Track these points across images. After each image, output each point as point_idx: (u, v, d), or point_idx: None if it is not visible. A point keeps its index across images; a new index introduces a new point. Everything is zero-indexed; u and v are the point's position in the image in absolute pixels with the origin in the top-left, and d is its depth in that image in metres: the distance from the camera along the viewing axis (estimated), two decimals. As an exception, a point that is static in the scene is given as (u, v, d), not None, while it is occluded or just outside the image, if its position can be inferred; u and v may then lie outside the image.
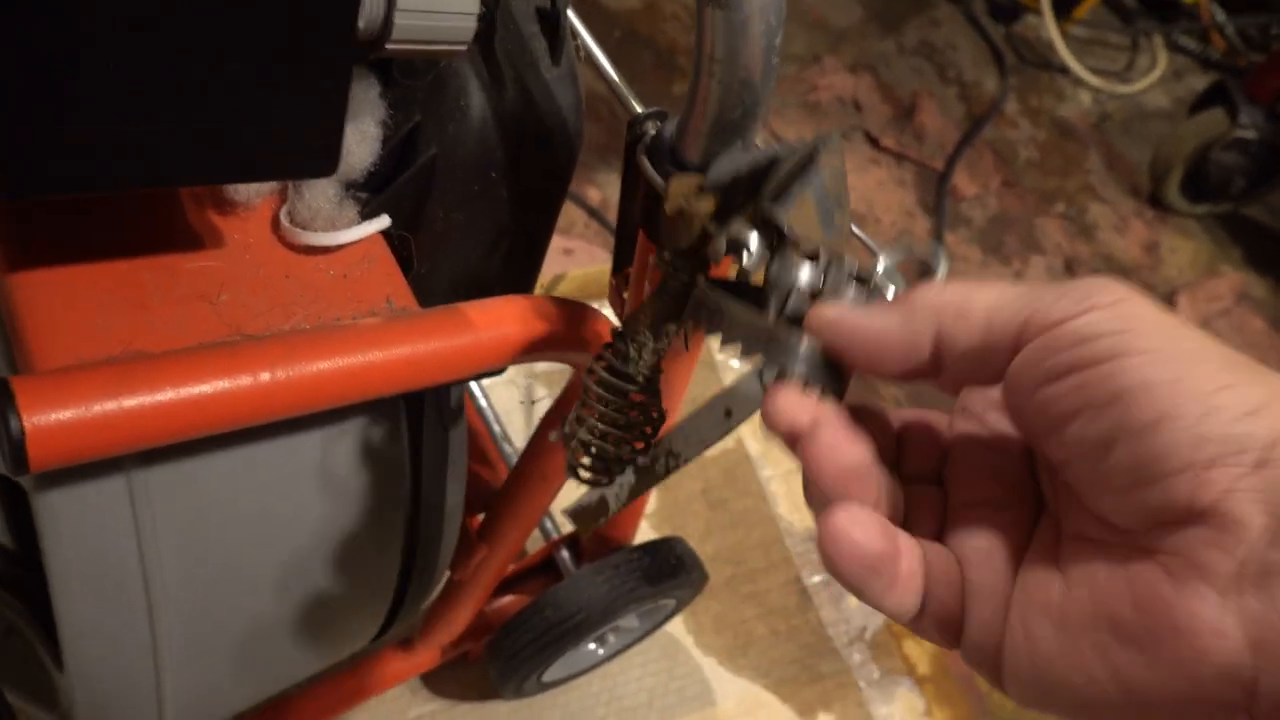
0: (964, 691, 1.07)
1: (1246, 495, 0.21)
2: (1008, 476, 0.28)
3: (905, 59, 1.87)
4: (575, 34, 0.46)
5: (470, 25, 0.35)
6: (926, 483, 0.30)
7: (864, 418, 0.29)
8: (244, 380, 0.35)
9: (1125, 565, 0.23)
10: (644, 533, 0.96)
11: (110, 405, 0.33)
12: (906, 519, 0.28)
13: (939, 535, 0.28)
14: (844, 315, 0.28)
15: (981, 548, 0.27)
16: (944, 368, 0.26)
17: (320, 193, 0.42)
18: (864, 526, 0.25)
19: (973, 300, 0.25)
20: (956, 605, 0.27)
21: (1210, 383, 0.21)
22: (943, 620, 0.27)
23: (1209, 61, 2.19)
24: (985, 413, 0.29)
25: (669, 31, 1.70)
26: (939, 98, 1.82)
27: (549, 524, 0.93)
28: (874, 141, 1.68)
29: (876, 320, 0.27)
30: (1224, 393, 0.21)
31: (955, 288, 0.26)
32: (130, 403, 0.33)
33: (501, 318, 0.43)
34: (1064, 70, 1.98)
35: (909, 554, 0.26)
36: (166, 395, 0.34)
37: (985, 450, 0.29)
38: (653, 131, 0.41)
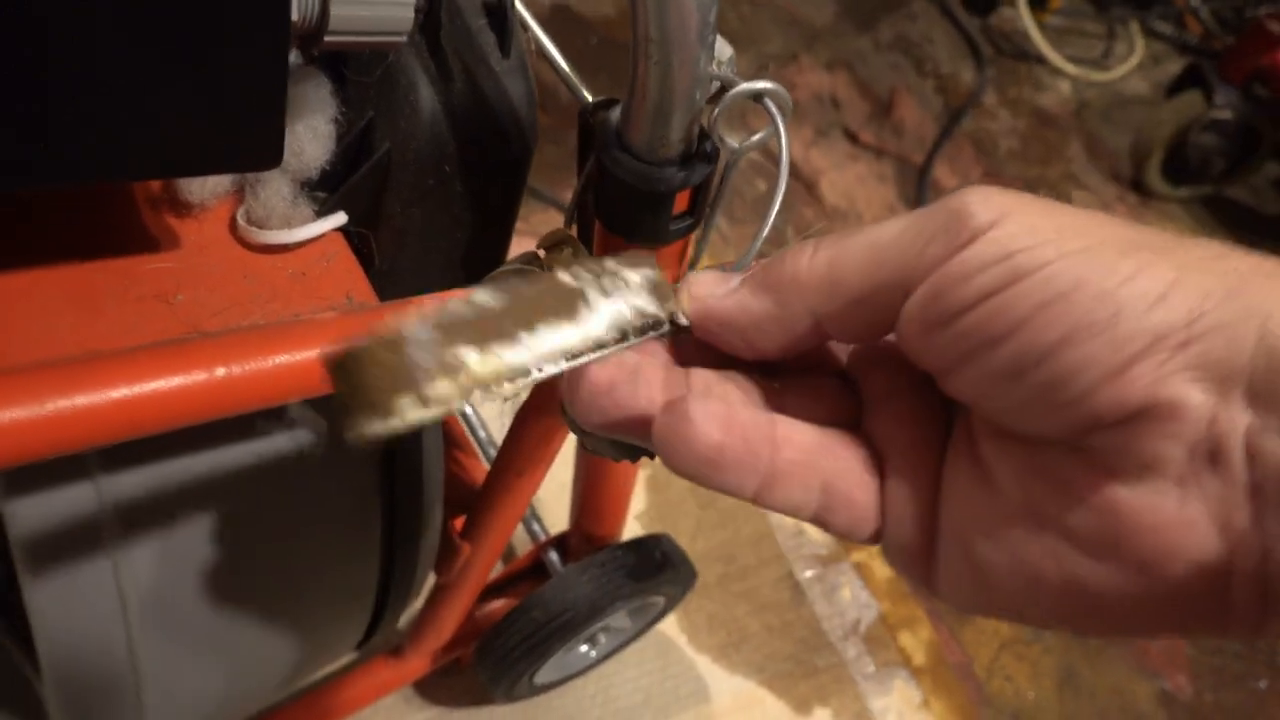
0: (961, 681, 1.06)
1: (1177, 378, 0.19)
2: (917, 370, 0.25)
3: (882, 54, 1.88)
4: (525, 26, 0.46)
5: (408, 15, 0.35)
6: (835, 374, 0.27)
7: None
8: (199, 376, 0.36)
9: (1065, 469, 0.21)
10: (635, 532, 0.96)
11: (63, 403, 0.33)
12: (811, 413, 0.25)
13: (853, 415, 0.26)
14: (713, 304, 0.25)
15: (896, 440, 0.25)
16: (826, 336, 0.24)
17: (275, 191, 0.42)
18: (705, 416, 0.22)
19: (843, 266, 0.23)
20: (868, 502, 0.24)
21: (1111, 279, 0.20)
22: (852, 518, 0.24)
23: (1186, 46, 2.20)
24: None
25: (645, 37, 1.71)
26: (917, 92, 1.83)
27: (536, 526, 0.93)
28: (853, 137, 1.69)
29: (748, 304, 0.24)
30: (1128, 285, 0.20)
31: (823, 254, 0.23)
32: (84, 400, 0.33)
33: (460, 309, 0.43)
34: (1041, 60, 1.99)
35: (792, 443, 0.24)
36: (120, 392, 0.34)
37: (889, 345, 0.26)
38: (602, 119, 0.42)
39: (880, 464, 0.25)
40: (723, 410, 0.23)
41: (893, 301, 0.22)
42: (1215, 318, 0.19)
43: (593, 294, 0.24)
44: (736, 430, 0.23)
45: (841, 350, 0.28)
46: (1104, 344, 0.19)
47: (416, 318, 0.21)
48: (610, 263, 0.25)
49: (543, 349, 0.22)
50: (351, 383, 0.21)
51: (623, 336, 0.24)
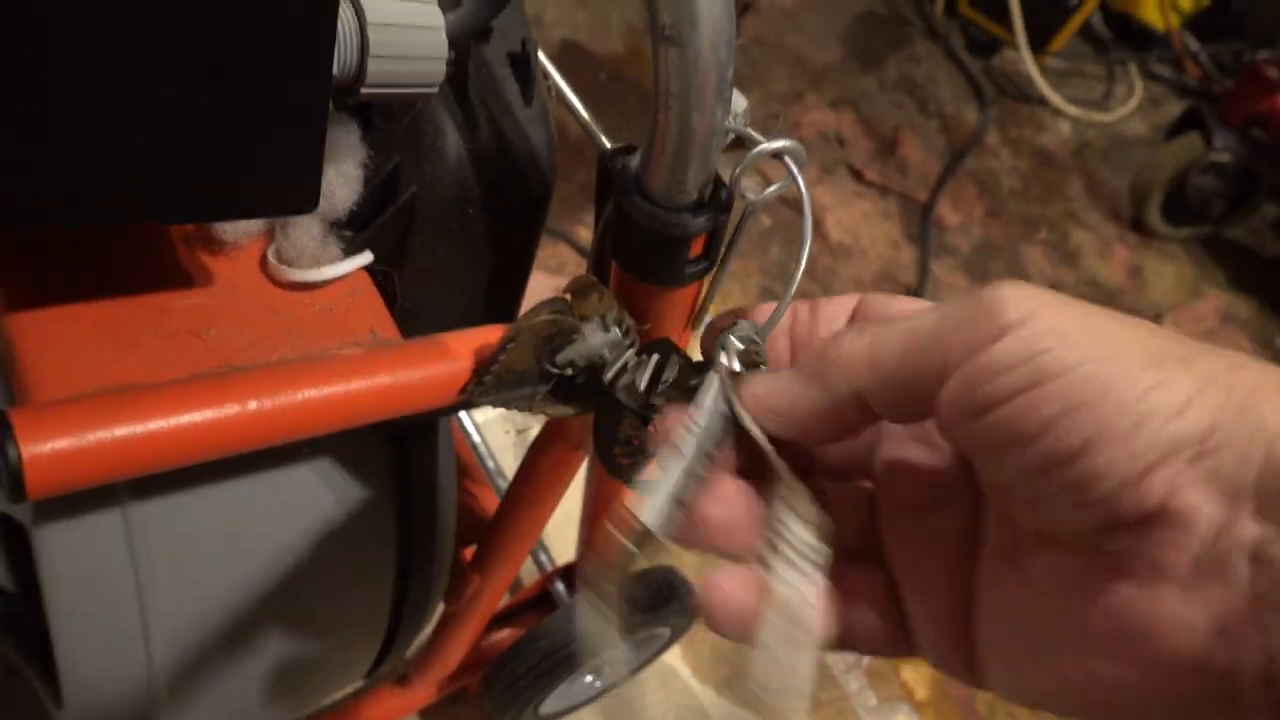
0: (963, 715, 1.07)
1: (1189, 489, 0.21)
2: (941, 472, 0.28)
3: (886, 94, 1.92)
4: (547, 75, 0.48)
5: (440, 69, 0.37)
6: (850, 478, 0.30)
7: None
8: (231, 409, 0.37)
9: (1085, 569, 0.23)
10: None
11: (103, 434, 0.34)
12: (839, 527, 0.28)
13: (868, 537, 0.29)
14: (768, 401, 0.28)
15: (918, 559, 0.27)
16: (874, 418, 0.26)
17: (305, 231, 0.44)
18: (735, 585, 0.26)
19: (883, 351, 0.25)
20: (883, 623, 0.27)
21: (1134, 388, 0.21)
22: (876, 644, 0.27)
23: (1185, 89, 2.23)
24: None
25: (653, 74, 1.74)
26: (920, 131, 1.86)
27: (543, 557, 0.94)
28: (858, 175, 1.72)
29: (799, 397, 0.27)
30: (1150, 396, 0.21)
31: (865, 339, 0.25)
32: (122, 431, 0.35)
33: (481, 346, 0.44)
34: (1043, 101, 2.02)
35: None
36: (157, 424, 0.35)
37: (913, 445, 0.29)
38: (621, 165, 0.43)
39: (895, 587, 0.27)
40: (746, 590, 0.27)
41: (927, 385, 0.24)
42: (1227, 434, 0.21)
43: (801, 585, 0.26)
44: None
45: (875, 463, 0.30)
46: (1124, 453, 0.21)
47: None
48: (789, 533, 0.27)
49: (807, 685, 0.26)
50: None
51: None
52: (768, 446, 0.28)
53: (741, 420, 0.28)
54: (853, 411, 0.26)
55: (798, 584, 0.26)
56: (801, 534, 0.26)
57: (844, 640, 0.27)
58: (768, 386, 0.28)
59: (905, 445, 0.29)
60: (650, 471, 0.29)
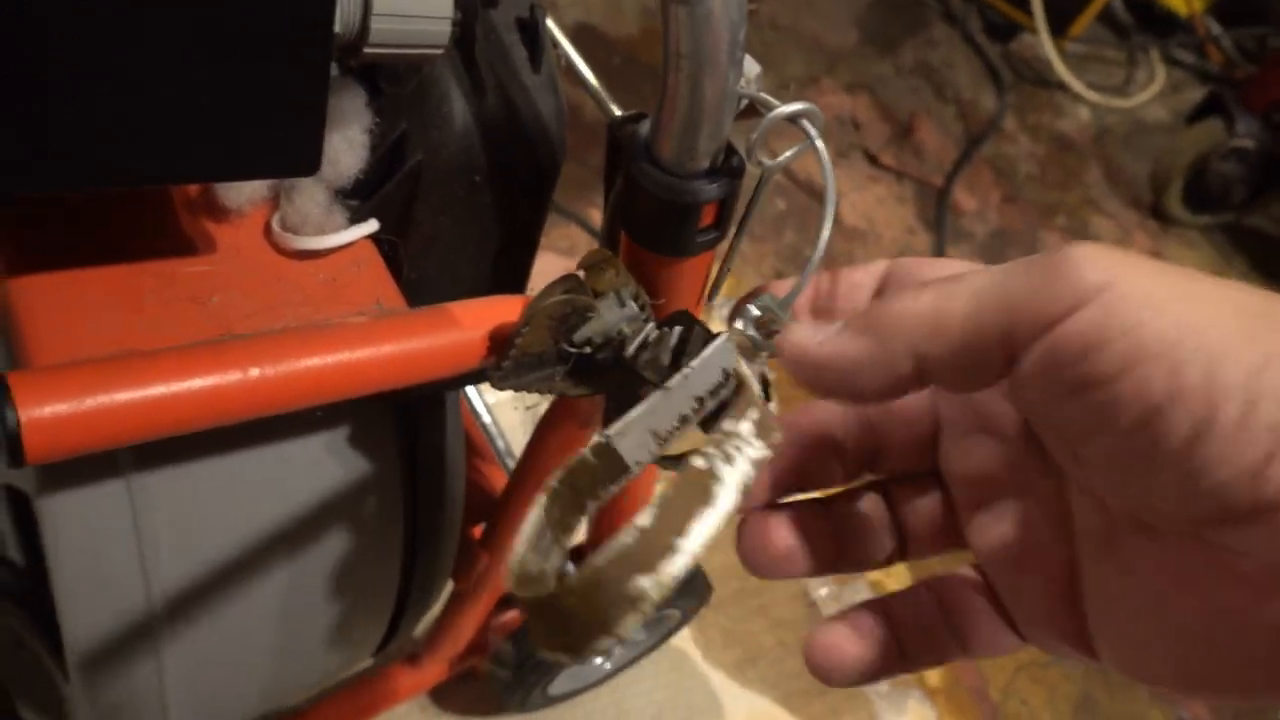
0: (976, 703, 1.06)
1: None
2: (1012, 461, 0.26)
3: (903, 79, 1.90)
4: (556, 43, 0.47)
5: (445, 29, 0.36)
6: (918, 473, 0.29)
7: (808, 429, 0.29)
8: (233, 376, 0.36)
9: (1187, 561, 0.21)
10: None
11: (103, 399, 0.34)
12: (904, 529, 0.28)
13: (947, 531, 0.28)
14: (809, 345, 0.25)
15: (1011, 554, 0.26)
16: (928, 381, 0.24)
17: (310, 198, 0.43)
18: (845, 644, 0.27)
19: (947, 310, 0.23)
20: (932, 643, 0.27)
21: (1240, 367, 0.19)
22: (983, 648, 0.27)
23: (1207, 74, 2.20)
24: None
25: (668, 57, 1.73)
26: (937, 116, 1.84)
27: (553, 538, 0.93)
28: (873, 159, 1.70)
29: (847, 347, 0.24)
30: (1261, 376, 0.19)
31: (927, 297, 0.23)
32: (122, 397, 0.34)
33: (488, 316, 0.44)
34: (1062, 86, 2.00)
35: (869, 633, 0.28)
36: (157, 390, 0.35)
37: (982, 434, 0.27)
38: (631, 132, 0.42)
39: (989, 584, 0.27)
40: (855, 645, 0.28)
41: (995, 350, 0.22)
42: None
43: (721, 467, 0.25)
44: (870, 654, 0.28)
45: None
46: (1236, 444, 0.19)
47: (601, 561, 0.22)
48: (727, 424, 0.26)
49: (696, 546, 0.24)
50: (547, 624, 0.23)
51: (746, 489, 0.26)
52: (756, 385, 0.27)
53: (740, 370, 0.27)
54: (908, 373, 0.24)
55: (722, 471, 0.24)
56: (740, 427, 0.25)
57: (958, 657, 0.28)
58: (813, 334, 0.26)
59: (968, 438, 0.27)
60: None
